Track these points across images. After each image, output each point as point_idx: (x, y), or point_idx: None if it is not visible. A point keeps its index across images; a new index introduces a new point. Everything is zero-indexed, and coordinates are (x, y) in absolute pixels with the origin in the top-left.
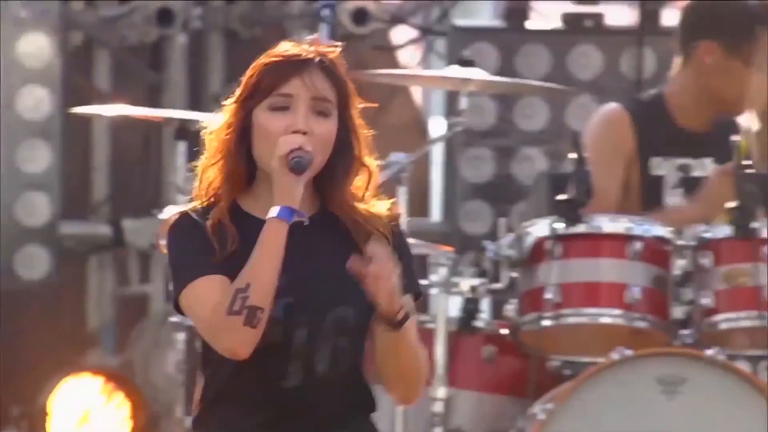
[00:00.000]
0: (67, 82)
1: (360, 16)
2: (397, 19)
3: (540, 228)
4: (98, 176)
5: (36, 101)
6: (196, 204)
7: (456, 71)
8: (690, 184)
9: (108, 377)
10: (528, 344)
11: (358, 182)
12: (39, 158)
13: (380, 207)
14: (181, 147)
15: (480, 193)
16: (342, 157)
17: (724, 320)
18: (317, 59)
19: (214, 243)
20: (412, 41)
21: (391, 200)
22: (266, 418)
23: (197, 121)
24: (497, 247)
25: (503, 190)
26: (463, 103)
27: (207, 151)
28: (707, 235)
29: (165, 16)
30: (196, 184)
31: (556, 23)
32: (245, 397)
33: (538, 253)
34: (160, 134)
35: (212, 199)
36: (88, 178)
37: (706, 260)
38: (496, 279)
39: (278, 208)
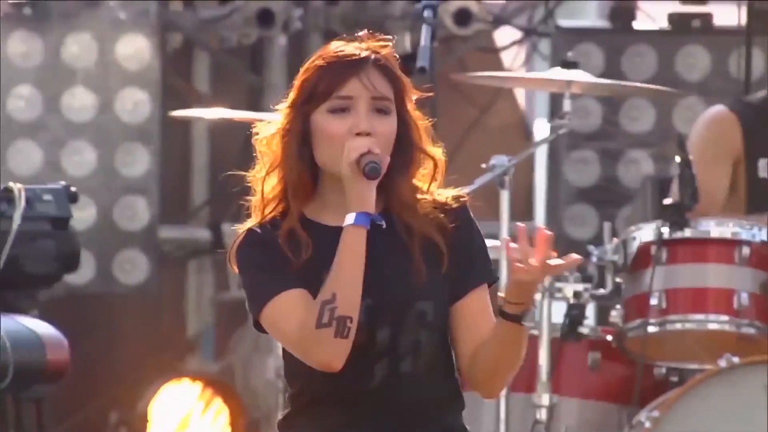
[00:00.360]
0: (166, 84)
1: (463, 16)
2: (500, 20)
3: (645, 232)
4: (197, 180)
5: (135, 104)
6: (257, 218)
7: (560, 73)
8: None
9: (207, 383)
10: (633, 351)
11: (423, 173)
12: (138, 162)
13: (446, 194)
14: None
15: (584, 197)
16: (402, 151)
17: None
18: (372, 57)
19: (288, 253)
20: (516, 42)
21: (460, 189)
22: (355, 417)
23: None
24: (602, 251)
25: (608, 193)
26: (568, 105)
27: (262, 160)
28: None
29: (265, 17)
30: (254, 197)
31: (663, 23)
32: (335, 401)
33: (643, 258)
34: None
35: (273, 212)
36: (187, 181)
37: None
38: (600, 284)
39: (354, 214)
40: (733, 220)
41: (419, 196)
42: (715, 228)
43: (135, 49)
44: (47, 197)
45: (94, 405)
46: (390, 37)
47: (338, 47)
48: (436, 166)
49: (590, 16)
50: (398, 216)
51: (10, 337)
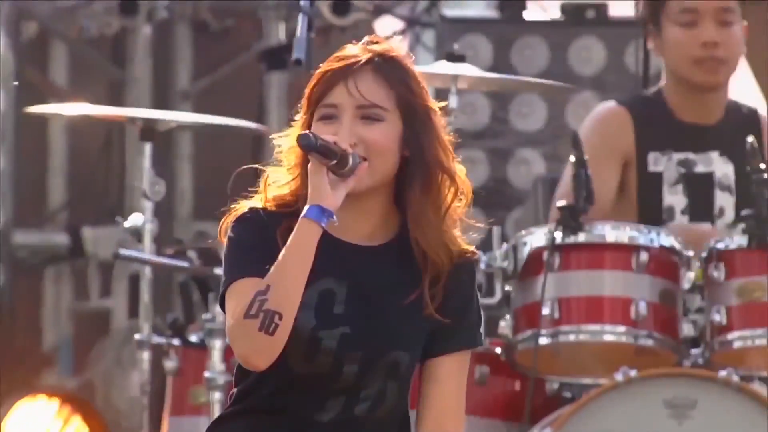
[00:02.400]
0: (20, 77)
1: (341, 6)
2: (381, 9)
3: (537, 237)
4: (55, 180)
5: None
6: (262, 202)
7: (445, 66)
8: (691, 181)
9: (65, 400)
10: (523, 364)
11: (443, 192)
12: None
13: (461, 242)
14: (147, 149)
15: (472, 199)
16: (413, 162)
17: (738, 338)
18: (366, 61)
19: (279, 246)
20: (398, 33)
21: (472, 242)
22: None
23: (164, 121)
24: (490, 257)
25: (497, 195)
26: (454, 101)
27: (285, 164)
28: (719, 245)
29: (128, 6)
30: (261, 185)
31: (556, 14)
32: (276, 419)
33: (534, 264)
34: (123, 135)
35: (283, 206)
36: (44, 182)
37: (718, 273)
38: (489, 293)
39: (308, 206)
40: (630, 224)
41: (449, 227)
42: (611, 232)
43: None
44: None
45: None
46: (395, 39)
47: (342, 52)
48: (454, 185)
49: (477, 6)
50: (421, 243)
51: None
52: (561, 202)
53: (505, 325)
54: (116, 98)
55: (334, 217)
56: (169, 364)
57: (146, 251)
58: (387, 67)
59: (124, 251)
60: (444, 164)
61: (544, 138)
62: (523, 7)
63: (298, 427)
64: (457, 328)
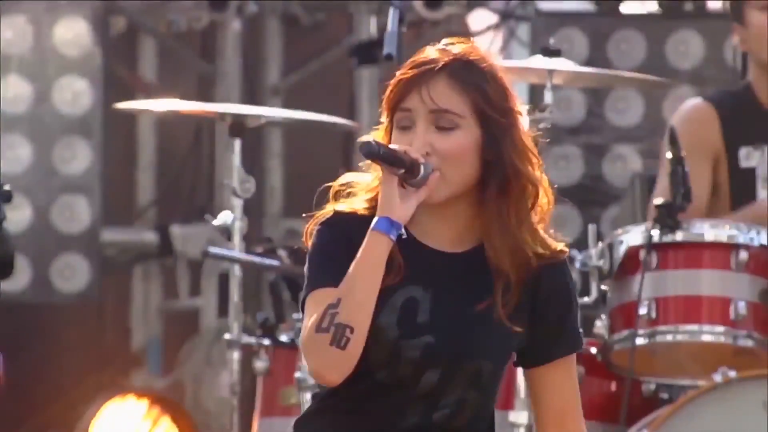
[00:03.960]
0: (108, 72)
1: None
2: (475, 2)
3: (633, 236)
4: (144, 178)
5: (74, 94)
6: (348, 206)
7: (541, 61)
8: None
9: (154, 400)
10: (620, 365)
11: (523, 201)
12: (78, 158)
13: (548, 243)
14: (236, 145)
15: (567, 197)
16: (492, 171)
17: None
18: (442, 65)
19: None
20: (492, 27)
21: (563, 240)
22: None
23: (253, 117)
24: (586, 256)
25: (593, 193)
26: (549, 96)
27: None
28: None
29: (218, 1)
30: (350, 187)
31: (653, 7)
32: (357, 421)
33: (631, 263)
34: (213, 131)
35: (368, 209)
36: (133, 179)
37: None
38: (584, 292)
39: (377, 218)
40: (729, 222)
41: (526, 233)
42: (710, 231)
43: (74, 33)
44: None
45: (30, 425)
46: (472, 41)
47: (419, 56)
48: (534, 194)
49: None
50: (489, 250)
51: None
52: (658, 200)
53: (600, 325)
54: (205, 94)
55: (402, 229)
56: (260, 364)
57: (235, 249)
58: (463, 71)
59: (213, 249)
60: (520, 170)
61: (641, 134)
62: (620, 0)
63: (378, 430)
64: (561, 332)
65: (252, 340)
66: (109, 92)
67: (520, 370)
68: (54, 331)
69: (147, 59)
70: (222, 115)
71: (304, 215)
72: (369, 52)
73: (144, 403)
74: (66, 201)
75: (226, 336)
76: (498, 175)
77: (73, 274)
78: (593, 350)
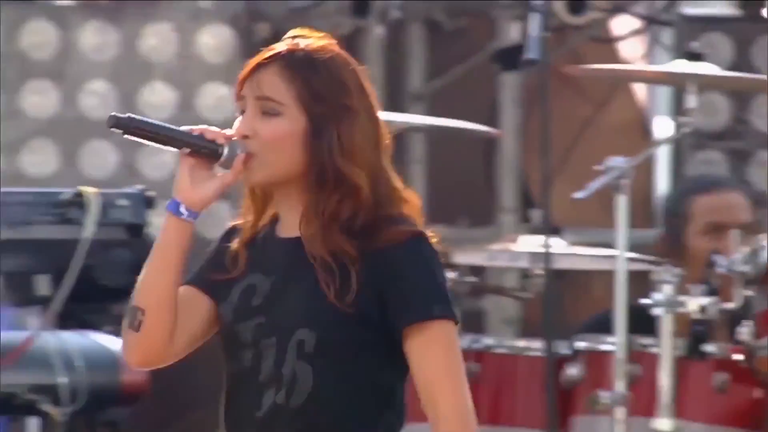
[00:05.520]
0: None
1: (577, 4)
2: (618, 7)
3: None
4: None
5: (217, 100)
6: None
7: (684, 65)
8: None
9: None
10: (765, 372)
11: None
12: None
13: (385, 233)
14: None
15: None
16: (312, 161)
17: None
18: (275, 55)
19: (225, 260)
20: (635, 32)
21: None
22: None
23: (395, 122)
24: (730, 261)
25: None
26: (692, 101)
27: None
28: None
29: (360, 6)
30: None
31: None
32: (228, 423)
33: None
34: None
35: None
36: None
37: None
38: (728, 298)
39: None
40: None
41: (335, 227)
42: None
43: (218, 40)
44: (122, 202)
45: (175, 430)
46: (320, 34)
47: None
48: (355, 192)
49: (718, 4)
50: (302, 237)
51: (83, 355)
52: None
53: (745, 331)
54: None
55: (185, 210)
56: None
57: None
58: (294, 62)
59: None
60: (338, 165)
61: None
62: (765, 5)
63: (248, 427)
64: (406, 304)
65: None
66: None
67: (660, 374)
68: None
69: None
70: None
71: (450, 215)
72: (512, 57)
73: None
74: (210, 207)
75: None
76: (316, 167)
77: None
78: (738, 357)
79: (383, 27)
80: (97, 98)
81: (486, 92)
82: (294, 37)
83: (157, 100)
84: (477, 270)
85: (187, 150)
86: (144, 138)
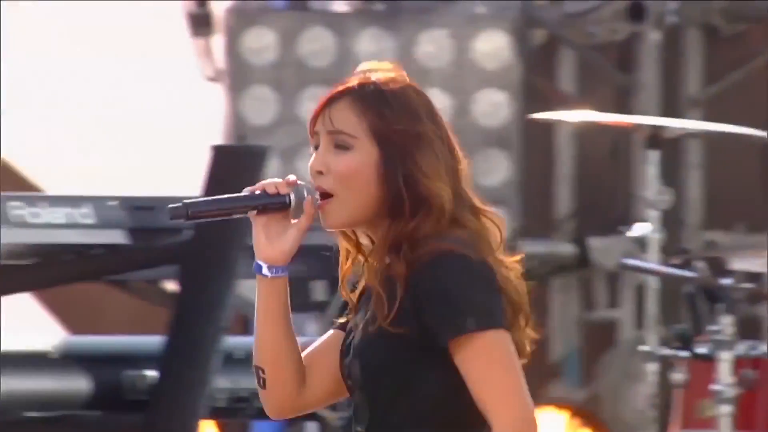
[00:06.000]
0: (527, 84)
1: None
2: None
3: None
4: (561, 189)
5: (493, 106)
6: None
7: None
8: None
9: (574, 412)
10: None
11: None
12: (496, 169)
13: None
14: (653, 157)
15: None
16: (386, 191)
17: None
18: (345, 89)
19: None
20: None
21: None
22: None
23: (670, 128)
24: None
25: None
26: None
27: None
28: None
29: (636, 11)
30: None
31: None
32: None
33: None
34: (629, 142)
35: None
36: (550, 191)
37: None
38: None
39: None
40: None
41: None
42: None
43: (494, 46)
44: None
45: None
46: (391, 63)
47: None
48: (430, 212)
49: None
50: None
51: None
52: None
53: None
54: (623, 105)
55: (268, 269)
56: (677, 376)
57: (652, 261)
58: (364, 94)
59: (629, 261)
60: (416, 192)
61: None
62: None
63: None
64: (439, 322)
65: (669, 351)
66: (527, 105)
67: None
68: None
69: (565, 71)
70: (639, 127)
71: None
72: None
73: (564, 415)
74: None
75: (643, 348)
76: (391, 196)
77: None
78: None
79: (659, 32)
80: None
81: (764, 97)
82: (366, 71)
83: None
84: (754, 276)
85: (255, 211)
86: (208, 218)
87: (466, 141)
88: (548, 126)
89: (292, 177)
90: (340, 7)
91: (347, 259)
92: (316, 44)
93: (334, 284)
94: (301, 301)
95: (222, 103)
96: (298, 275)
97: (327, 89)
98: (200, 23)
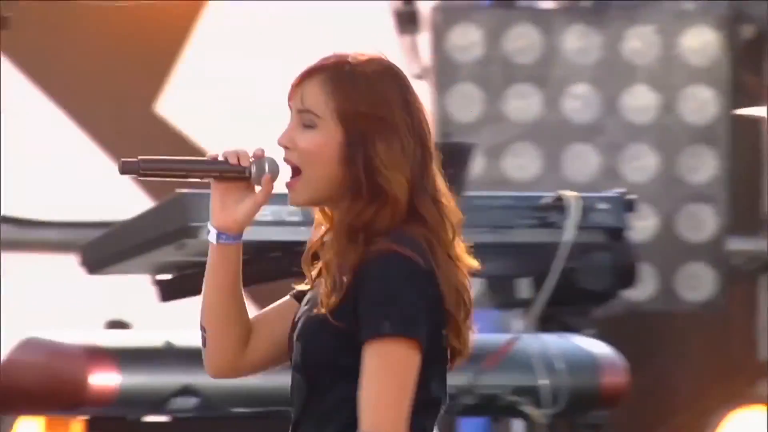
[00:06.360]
0: (735, 81)
1: None
2: None
3: None
4: None
5: (700, 103)
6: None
7: None
8: None
9: None
10: None
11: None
12: (703, 166)
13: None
14: None
15: None
16: (346, 172)
17: None
18: (318, 67)
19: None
20: None
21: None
22: None
23: None
24: None
25: None
26: None
27: None
28: None
29: None
30: None
31: None
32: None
33: None
34: None
35: None
36: (758, 188)
37: None
38: None
39: None
40: None
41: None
42: None
43: (702, 42)
44: (602, 206)
45: None
46: (367, 48)
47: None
48: (387, 203)
49: None
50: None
51: (564, 358)
52: None
53: None
54: None
55: (217, 235)
56: None
57: None
58: (336, 75)
59: None
60: (372, 180)
61: None
62: None
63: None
64: (361, 320)
65: None
66: (735, 101)
67: None
68: (678, 341)
69: None
70: None
71: None
72: None
73: None
74: (691, 210)
75: None
76: (351, 179)
77: (698, 283)
78: None
79: None
80: (579, 102)
81: None
82: (346, 51)
83: (638, 104)
84: None
85: (215, 175)
86: (161, 176)
87: (673, 138)
88: (756, 122)
89: (259, 150)
90: (546, 4)
91: (323, 229)
92: (522, 41)
93: (538, 281)
94: (505, 299)
95: (428, 100)
96: (503, 273)
97: (533, 86)
98: (407, 21)
